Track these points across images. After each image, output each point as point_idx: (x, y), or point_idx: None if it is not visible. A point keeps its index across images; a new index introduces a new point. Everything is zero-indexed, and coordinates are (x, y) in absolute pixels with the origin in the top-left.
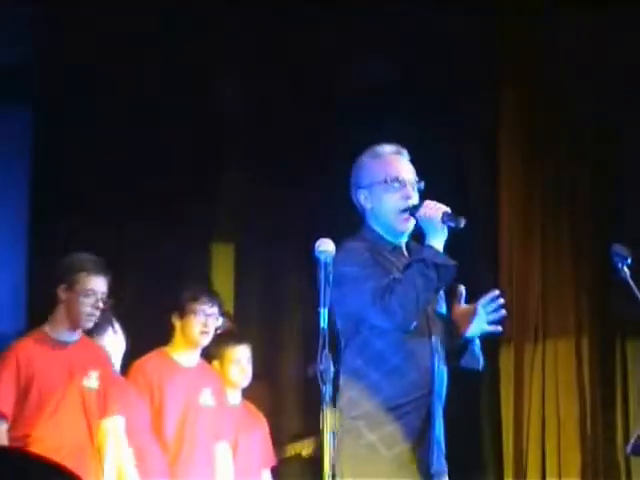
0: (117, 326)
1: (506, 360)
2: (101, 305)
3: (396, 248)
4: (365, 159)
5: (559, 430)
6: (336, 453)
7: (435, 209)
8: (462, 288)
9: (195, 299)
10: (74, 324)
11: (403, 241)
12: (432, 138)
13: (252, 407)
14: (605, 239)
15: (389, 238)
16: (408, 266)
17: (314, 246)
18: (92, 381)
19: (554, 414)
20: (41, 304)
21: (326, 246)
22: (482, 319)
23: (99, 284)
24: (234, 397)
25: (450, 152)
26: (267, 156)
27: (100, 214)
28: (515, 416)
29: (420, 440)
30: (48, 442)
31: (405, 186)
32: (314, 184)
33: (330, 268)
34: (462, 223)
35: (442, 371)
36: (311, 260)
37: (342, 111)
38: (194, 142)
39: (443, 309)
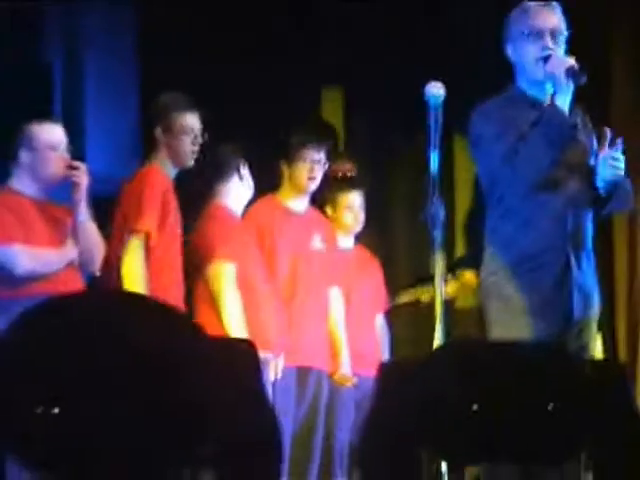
0: (245, 172)
1: (620, 227)
2: (200, 141)
3: (538, 103)
4: (513, 13)
5: None
6: (483, 309)
7: (560, 63)
8: (607, 131)
9: (302, 145)
10: (177, 163)
11: (547, 95)
12: None
13: (365, 251)
14: None
15: (532, 92)
16: (533, 125)
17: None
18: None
19: None
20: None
21: (436, 89)
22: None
23: (194, 121)
24: (347, 242)
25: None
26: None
27: (210, 56)
28: (628, 283)
29: (558, 288)
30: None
31: (544, 37)
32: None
33: (440, 110)
34: (583, 79)
35: (580, 219)
36: (421, 104)
37: None
38: None
39: (587, 158)
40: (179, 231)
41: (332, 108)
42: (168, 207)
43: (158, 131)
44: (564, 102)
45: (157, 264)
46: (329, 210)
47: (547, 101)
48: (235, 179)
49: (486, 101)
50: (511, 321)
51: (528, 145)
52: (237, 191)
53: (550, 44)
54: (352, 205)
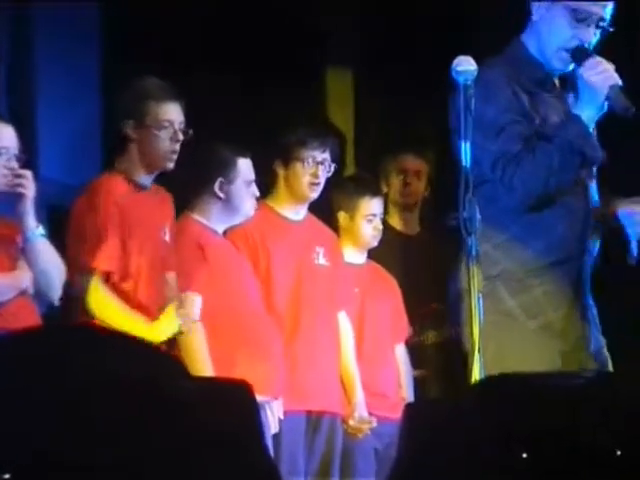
0: (231, 187)
1: None
2: (181, 137)
3: (547, 79)
4: None
5: None
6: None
7: (603, 77)
8: None
9: (302, 143)
10: (152, 166)
11: (557, 71)
12: None
13: (380, 269)
14: None
15: (542, 61)
16: (548, 138)
17: (449, 66)
18: (167, 235)
19: None
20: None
21: (466, 65)
22: None
23: (174, 112)
24: (358, 257)
25: None
26: None
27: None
28: None
29: (571, 309)
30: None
31: (587, 23)
32: None
33: (471, 92)
34: (630, 112)
35: (597, 230)
36: (445, 84)
37: None
38: None
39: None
40: (164, 255)
41: (339, 96)
42: (134, 229)
43: (129, 125)
44: (592, 119)
45: (134, 301)
46: (344, 217)
47: (556, 79)
48: (218, 192)
49: (487, 62)
50: (510, 344)
51: (538, 161)
52: (219, 208)
53: (590, 35)
54: (374, 214)
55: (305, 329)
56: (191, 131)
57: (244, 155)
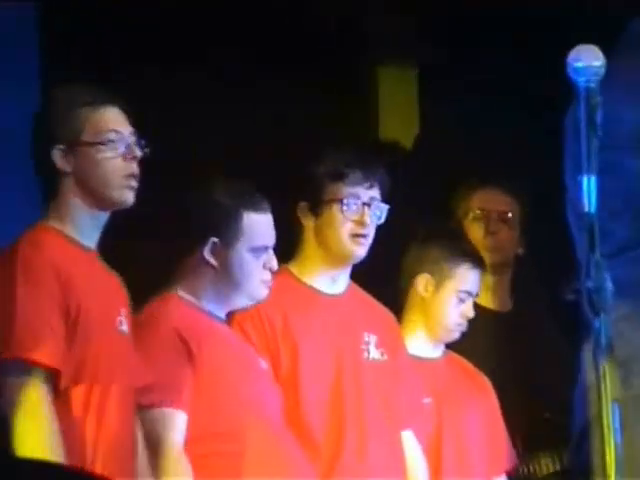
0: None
1: None
2: (138, 153)
3: None
4: None
5: None
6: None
7: None
8: None
9: (340, 176)
10: (101, 201)
11: None
12: None
13: (465, 363)
14: None
15: None
16: None
17: (563, 60)
18: (124, 324)
19: None
20: None
21: (589, 58)
22: None
23: (119, 121)
24: (430, 348)
25: None
26: None
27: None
28: None
29: None
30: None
31: None
32: None
33: (597, 99)
34: None
35: None
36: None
37: None
38: None
39: None
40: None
41: (392, 107)
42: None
43: (58, 151)
44: None
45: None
46: (425, 286)
47: None
48: (208, 258)
49: (617, 54)
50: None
51: None
52: (212, 282)
53: None
54: (469, 291)
55: (351, 455)
56: (147, 149)
57: (256, 208)
